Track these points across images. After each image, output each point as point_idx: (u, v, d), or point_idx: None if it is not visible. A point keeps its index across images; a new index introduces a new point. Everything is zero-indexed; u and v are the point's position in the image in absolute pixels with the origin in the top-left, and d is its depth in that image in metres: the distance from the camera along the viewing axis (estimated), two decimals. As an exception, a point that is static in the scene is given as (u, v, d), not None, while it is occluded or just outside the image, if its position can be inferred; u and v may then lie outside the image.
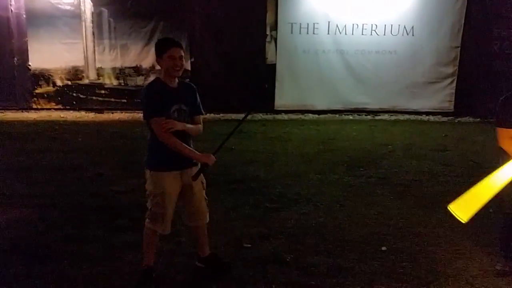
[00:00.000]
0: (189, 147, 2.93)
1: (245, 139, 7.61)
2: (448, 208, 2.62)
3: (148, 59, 10.45)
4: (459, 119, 9.82)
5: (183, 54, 2.91)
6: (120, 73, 10.52)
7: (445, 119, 9.88)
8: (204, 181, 3.14)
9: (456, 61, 9.95)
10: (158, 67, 10.34)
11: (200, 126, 3.09)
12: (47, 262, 3.33)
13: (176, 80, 2.97)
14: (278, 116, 9.80)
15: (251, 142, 7.44)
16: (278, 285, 3.03)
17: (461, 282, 3.10)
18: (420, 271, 3.24)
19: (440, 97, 10.18)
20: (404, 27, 9.93)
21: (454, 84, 10.07)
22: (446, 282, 3.10)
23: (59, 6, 10.07)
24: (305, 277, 3.13)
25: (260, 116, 9.76)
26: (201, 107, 3.11)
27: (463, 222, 2.54)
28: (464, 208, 2.53)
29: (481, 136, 7.96)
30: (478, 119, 9.63)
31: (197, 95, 3.09)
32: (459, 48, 9.87)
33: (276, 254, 3.48)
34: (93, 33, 10.26)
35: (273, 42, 10.02)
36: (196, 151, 2.95)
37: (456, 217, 2.56)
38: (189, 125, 2.98)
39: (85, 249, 3.54)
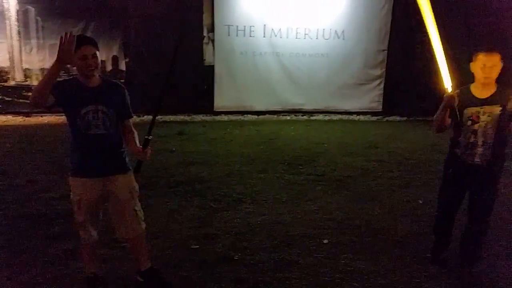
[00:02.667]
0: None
1: (186, 141, 7.56)
2: None
3: (79, 60, 10.03)
4: (387, 118, 10.45)
5: (96, 52, 2.64)
6: (49, 74, 10.01)
7: (374, 118, 10.47)
8: (136, 189, 2.90)
9: (384, 63, 10.61)
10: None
11: (134, 131, 2.88)
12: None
13: (98, 79, 2.72)
14: (218, 117, 9.83)
15: (192, 144, 7.40)
16: (228, 283, 3.07)
17: (399, 271, 3.34)
18: (360, 262, 3.44)
19: (369, 98, 10.79)
20: (336, 31, 10.40)
21: (382, 86, 10.73)
22: (386, 272, 3.31)
23: (-22, 2, 9.36)
24: (254, 273, 3.20)
25: (200, 117, 9.73)
26: (130, 109, 2.86)
27: None
28: None
29: (408, 133, 8.56)
30: (405, 118, 10.33)
31: (126, 96, 2.82)
32: (386, 51, 10.53)
33: (224, 253, 3.52)
34: (19, 32, 9.66)
35: (210, 43, 10.05)
36: None
37: None
38: (132, 146, 2.82)
39: (22, 258, 3.35)
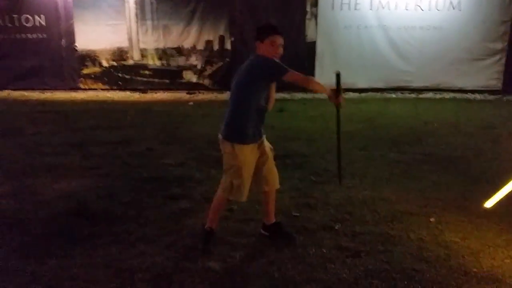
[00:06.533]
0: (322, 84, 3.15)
1: (286, 118, 7.69)
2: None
3: (189, 40, 10.65)
4: (507, 97, 9.46)
5: (283, 43, 3.04)
6: (162, 54, 10.77)
7: (492, 97, 9.56)
8: (272, 147, 3.32)
9: (506, 36, 9.56)
10: (199, 47, 10.62)
11: None
12: (112, 224, 3.55)
13: None
14: (318, 96, 9.74)
15: (292, 120, 7.51)
16: (328, 249, 3.13)
17: (507, 251, 3.11)
18: (468, 241, 3.26)
19: (487, 75, 9.85)
20: (451, 1, 9.61)
21: (503, 61, 9.70)
22: (493, 250, 3.11)
23: (104, -12, 10.39)
24: (354, 243, 3.22)
25: (300, 95, 9.78)
26: None
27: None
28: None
29: (532, 113, 7.69)
30: (529, 97, 9.27)
31: None
32: (510, 22, 9.45)
33: (324, 222, 3.58)
34: (136, 15, 10.52)
35: (313, 19, 9.95)
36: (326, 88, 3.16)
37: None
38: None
39: (144, 214, 3.77)
